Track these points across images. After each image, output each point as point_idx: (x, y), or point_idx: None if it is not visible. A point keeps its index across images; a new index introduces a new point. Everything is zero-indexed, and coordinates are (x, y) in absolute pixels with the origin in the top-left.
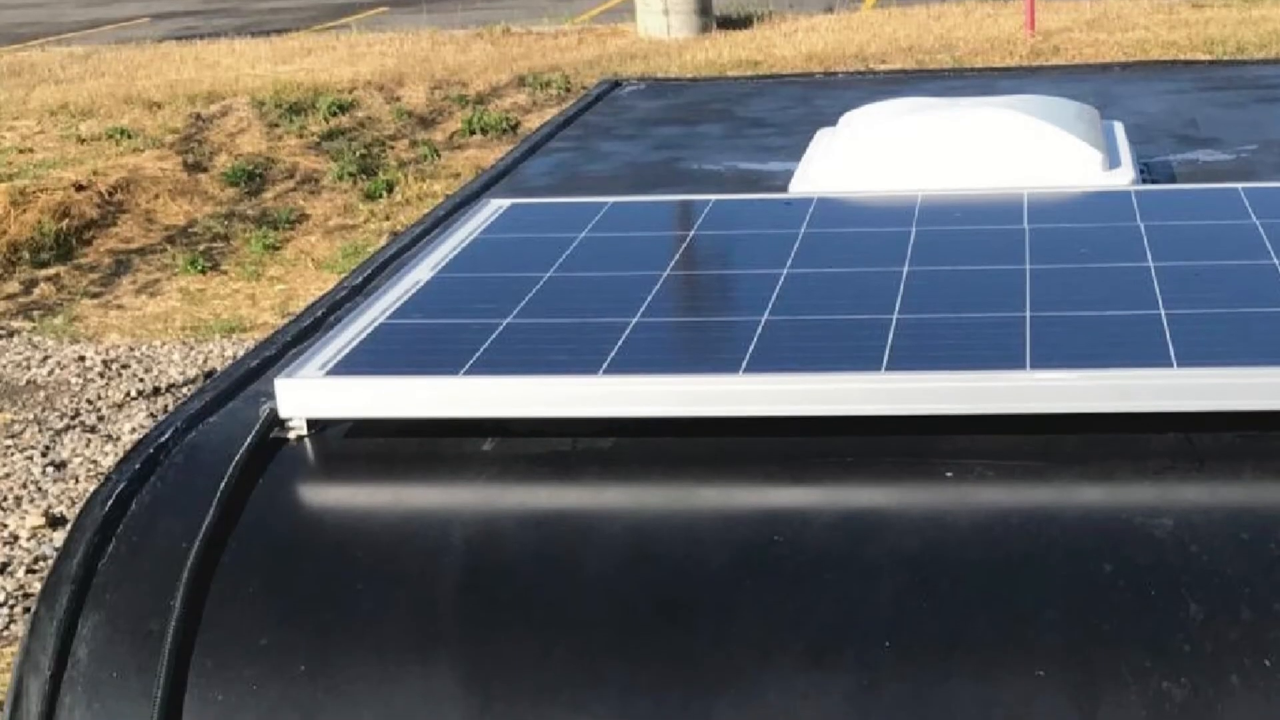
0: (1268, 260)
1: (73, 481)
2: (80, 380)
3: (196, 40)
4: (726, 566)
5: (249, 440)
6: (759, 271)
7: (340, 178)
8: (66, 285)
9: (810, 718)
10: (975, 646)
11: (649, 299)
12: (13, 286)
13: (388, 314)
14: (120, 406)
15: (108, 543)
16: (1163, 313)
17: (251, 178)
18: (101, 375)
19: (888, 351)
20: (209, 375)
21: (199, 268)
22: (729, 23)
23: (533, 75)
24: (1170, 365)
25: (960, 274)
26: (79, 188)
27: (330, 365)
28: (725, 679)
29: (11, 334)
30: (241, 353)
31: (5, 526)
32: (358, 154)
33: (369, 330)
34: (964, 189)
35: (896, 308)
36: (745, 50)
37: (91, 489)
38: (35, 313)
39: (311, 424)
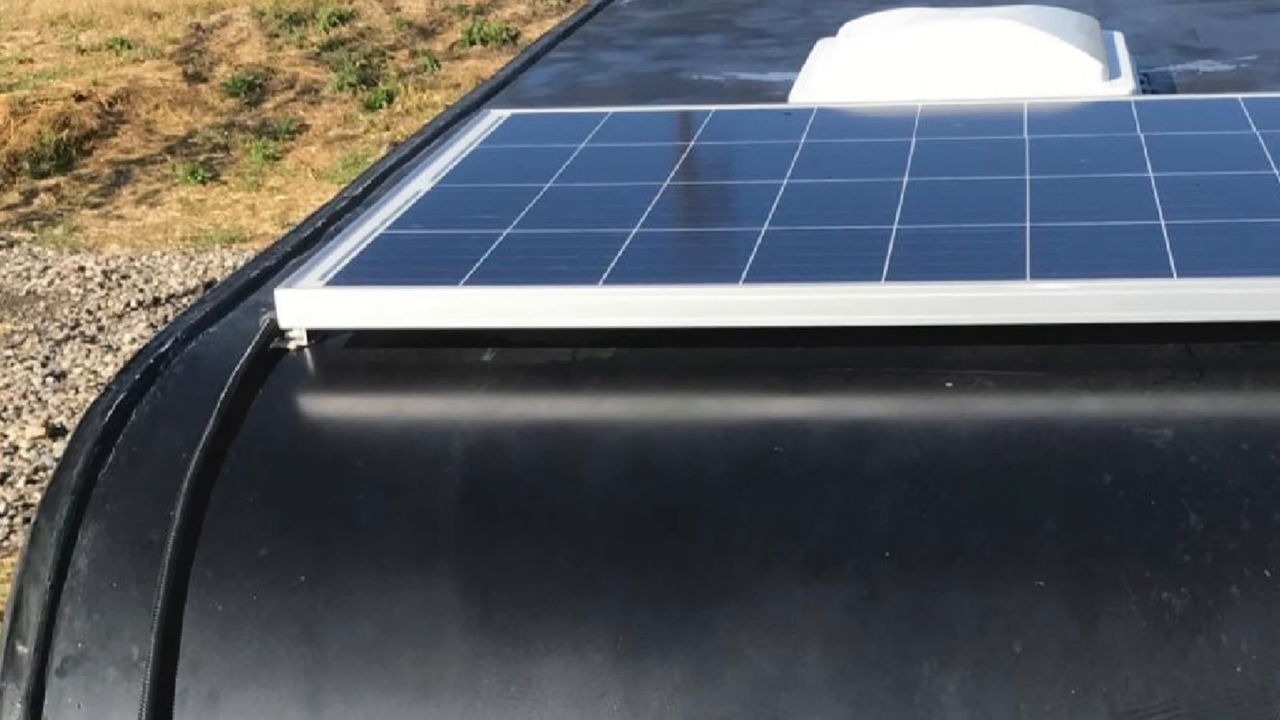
0: (1268, 170)
1: (73, 392)
2: (80, 291)
3: None
4: (726, 477)
5: (249, 351)
6: (759, 182)
7: (340, 88)
8: (66, 195)
9: (810, 628)
10: (975, 557)
11: (649, 209)
12: (13, 197)
13: (388, 224)
14: (120, 317)
15: (108, 453)
16: (1163, 223)
17: (251, 88)
18: (101, 286)
19: (888, 262)
20: (209, 286)
21: (199, 178)
22: None
23: None
24: (1170, 276)
25: (960, 184)
26: (79, 98)
27: (330, 276)
28: (725, 589)
29: (11, 244)
30: (241, 263)
31: (5, 437)
32: (358, 64)
33: (369, 241)
34: (964, 99)
35: (896, 218)
36: None
37: (91, 399)
38: (35, 223)
39: (311, 334)
